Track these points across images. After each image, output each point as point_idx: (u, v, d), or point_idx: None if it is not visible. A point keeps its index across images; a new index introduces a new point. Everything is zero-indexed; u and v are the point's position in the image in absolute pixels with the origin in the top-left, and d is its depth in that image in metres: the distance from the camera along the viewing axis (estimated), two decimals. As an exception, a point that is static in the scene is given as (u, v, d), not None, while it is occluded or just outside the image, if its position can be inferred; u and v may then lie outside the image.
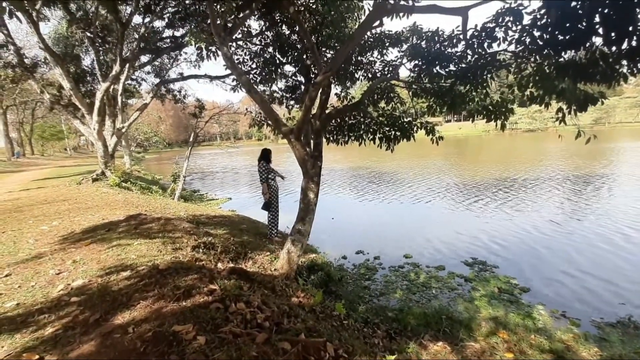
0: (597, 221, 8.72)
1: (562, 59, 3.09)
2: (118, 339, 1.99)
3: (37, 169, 20.55)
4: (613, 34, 2.60)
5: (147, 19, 11.90)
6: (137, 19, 12.44)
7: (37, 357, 1.88)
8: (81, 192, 9.45)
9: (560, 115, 3.23)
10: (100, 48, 12.85)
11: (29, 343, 2.05)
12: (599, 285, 5.55)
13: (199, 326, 2.09)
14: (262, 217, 7.18)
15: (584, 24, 2.70)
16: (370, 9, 4.52)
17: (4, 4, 4.60)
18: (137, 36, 12.36)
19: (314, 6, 5.44)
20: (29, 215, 6.22)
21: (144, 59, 14.50)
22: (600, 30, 2.65)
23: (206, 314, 2.27)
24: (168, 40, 13.40)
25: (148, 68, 15.62)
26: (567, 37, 2.83)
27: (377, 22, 4.29)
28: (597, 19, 2.63)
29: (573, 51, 3.01)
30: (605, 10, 2.57)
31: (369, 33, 5.24)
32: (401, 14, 3.86)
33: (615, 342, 4.04)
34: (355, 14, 5.40)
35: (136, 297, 2.51)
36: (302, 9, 5.40)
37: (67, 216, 5.98)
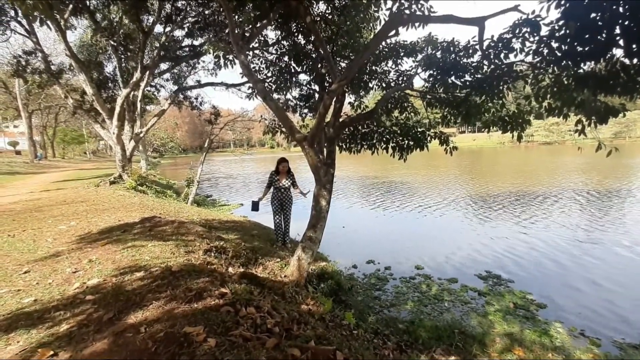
0: (617, 237, 8.41)
1: (581, 71, 3.04)
2: (130, 338, 2.01)
3: (58, 171, 21.22)
4: (634, 46, 2.55)
5: (167, 29, 12.29)
6: (158, 29, 12.87)
7: (51, 353, 1.92)
8: (99, 194, 9.70)
9: (579, 127, 3.17)
10: (123, 56, 13.29)
11: (44, 339, 2.10)
12: (620, 303, 5.33)
13: (210, 328, 2.10)
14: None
15: (604, 35, 2.66)
16: (386, 19, 4.57)
17: (36, 14, 4.85)
18: (157, 45, 12.75)
19: (330, 16, 5.52)
20: (48, 215, 6.41)
21: (164, 66, 14.91)
22: (621, 42, 2.61)
23: (217, 316, 2.28)
24: (187, 49, 13.77)
25: (167, 75, 16.05)
26: (586, 49, 2.79)
27: (393, 32, 4.32)
28: (617, 31, 2.59)
29: (592, 63, 2.96)
30: (626, 22, 2.54)
31: (383, 43, 5.27)
32: (417, 24, 3.89)
33: (638, 365, 3.86)
34: (371, 24, 5.46)
35: (149, 298, 2.54)
36: (318, 19, 5.50)
37: (85, 217, 6.14)
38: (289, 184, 5.85)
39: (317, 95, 6.25)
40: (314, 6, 5.44)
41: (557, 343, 4.26)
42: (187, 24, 12.15)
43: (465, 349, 3.80)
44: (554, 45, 3.01)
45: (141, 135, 13.81)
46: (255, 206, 5.93)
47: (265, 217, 10.33)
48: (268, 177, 5.92)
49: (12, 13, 10.78)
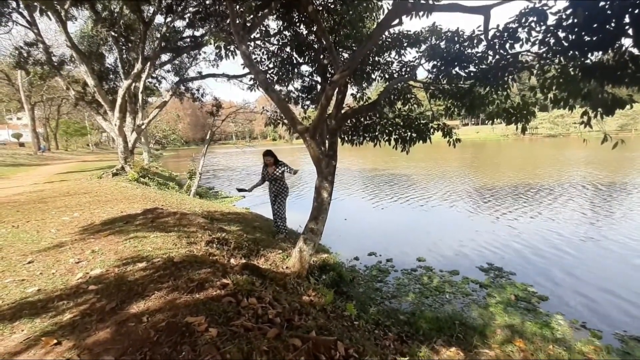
0: (620, 230, 8.38)
1: (588, 61, 2.98)
2: (133, 327, 2.03)
3: (61, 163, 21.32)
4: (644, 36, 2.50)
5: (168, 19, 12.17)
6: (159, 19, 12.77)
7: (55, 341, 1.94)
8: (101, 185, 9.74)
9: (585, 118, 3.12)
10: (124, 47, 13.21)
11: (48, 328, 2.12)
12: (622, 296, 5.32)
13: (211, 319, 2.11)
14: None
15: (613, 24, 2.60)
16: (389, 8, 4.49)
17: (36, 4, 4.80)
18: (158, 35, 12.65)
19: (332, 6, 5.44)
20: (51, 206, 6.45)
21: (165, 57, 14.82)
22: (630, 32, 2.55)
23: (218, 307, 2.29)
24: (188, 40, 13.67)
25: (168, 67, 15.96)
26: (594, 38, 2.73)
27: (396, 22, 4.25)
28: (627, 20, 2.53)
29: (600, 53, 2.90)
30: (636, 11, 2.48)
31: (387, 33, 5.19)
32: (421, 13, 3.82)
33: None
34: (374, 13, 5.37)
35: (151, 288, 2.56)
36: (321, 8, 5.41)
37: (88, 208, 6.17)
38: (279, 173, 5.84)
39: (319, 87, 6.19)
40: (316, -5, 5.35)
41: (558, 335, 4.27)
42: (188, 14, 12.02)
43: (465, 340, 3.82)
44: (561, 34, 2.94)
45: (143, 127, 13.81)
46: (241, 190, 6.15)
47: (267, 209, 10.36)
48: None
49: (14, 4, 10.73)
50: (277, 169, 5.83)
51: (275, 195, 5.93)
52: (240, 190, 6.23)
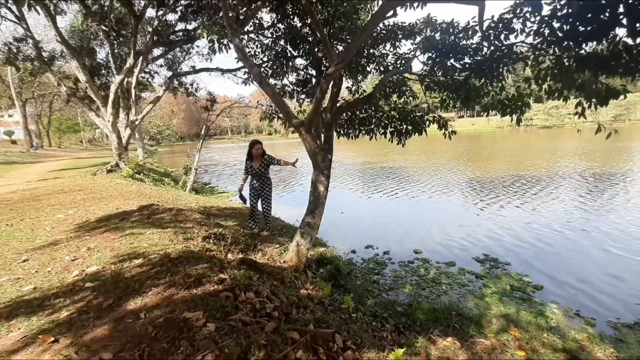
0: (613, 220, 8.49)
1: (582, 51, 2.98)
2: (130, 323, 2.03)
3: (54, 160, 21.08)
4: (638, 25, 2.50)
5: (160, 12, 11.99)
6: (150, 12, 12.58)
7: (52, 339, 1.94)
8: (96, 182, 9.66)
9: (579, 109, 3.13)
10: (115, 41, 13.01)
11: (45, 326, 2.11)
12: (614, 285, 5.41)
13: (209, 314, 2.11)
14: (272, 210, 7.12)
15: (607, 14, 2.60)
16: None
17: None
18: (150, 29, 12.47)
19: (326, -3, 5.38)
20: (46, 204, 6.39)
21: (157, 52, 14.65)
22: (624, 21, 2.55)
23: (216, 302, 2.30)
24: (180, 34, 13.48)
25: (161, 61, 15.79)
26: (588, 29, 2.74)
27: (390, 13, 4.22)
28: (621, 9, 2.53)
29: (594, 43, 2.90)
30: (630, 0, 2.47)
31: (381, 25, 5.15)
32: (415, 5, 3.79)
33: (632, 344, 3.94)
34: (368, 5, 5.33)
35: (148, 284, 2.56)
36: (315, 0, 5.35)
37: (83, 205, 6.12)
38: (264, 168, 5.31)
39: (314, 80, 6.14)
40: (310, -13, 5.28)
41: (553, 323, 4.34)
42: (180, 7, 11.84)
43: (462, 330, 3.87)
44: (556, 25, 2.94)
45: (137, 122, 13.68)
46: (242, 198, 5.48)
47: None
48: (244, 165, 5.41)
49: (3, -1, 10.49)
50: (262, 163, 5.26)
51: (257, 191, 5.41)
52: (242, 197, 5.48)
